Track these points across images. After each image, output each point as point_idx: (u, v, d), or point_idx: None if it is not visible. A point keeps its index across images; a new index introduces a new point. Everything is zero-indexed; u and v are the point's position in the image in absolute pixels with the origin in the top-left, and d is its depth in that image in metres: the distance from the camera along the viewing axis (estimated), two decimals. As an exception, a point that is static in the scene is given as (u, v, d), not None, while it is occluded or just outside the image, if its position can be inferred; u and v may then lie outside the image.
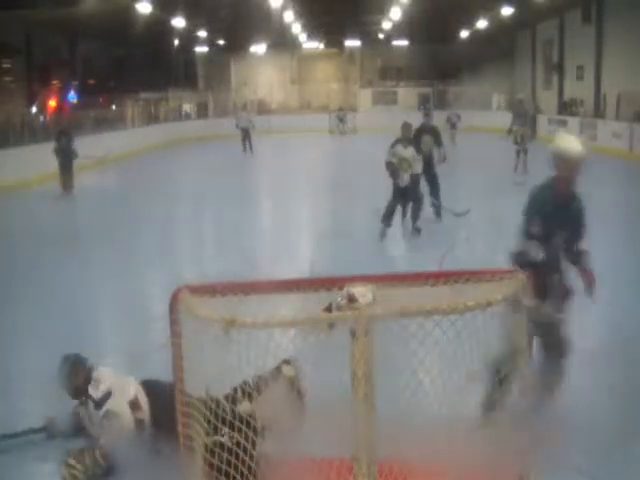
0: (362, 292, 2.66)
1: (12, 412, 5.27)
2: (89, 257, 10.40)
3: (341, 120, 35.01)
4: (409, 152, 10.46)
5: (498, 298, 2.61)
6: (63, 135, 17.02)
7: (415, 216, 10.86)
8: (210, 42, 35.65)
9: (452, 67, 36.89)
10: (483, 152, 23.48)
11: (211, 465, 3.00)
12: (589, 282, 4.72)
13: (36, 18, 22.83)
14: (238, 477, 2.87)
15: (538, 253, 4.45)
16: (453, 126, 26.28)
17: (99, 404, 4.34)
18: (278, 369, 3.70)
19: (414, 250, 10.36)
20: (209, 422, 3.03)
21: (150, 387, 4.45)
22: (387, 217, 10.56)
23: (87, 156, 17.51)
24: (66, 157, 16.54)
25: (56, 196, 16.13)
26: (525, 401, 2.89)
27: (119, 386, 4.41)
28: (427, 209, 11.54)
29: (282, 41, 35.51)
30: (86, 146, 22.40)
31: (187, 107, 38.34)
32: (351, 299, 2.66)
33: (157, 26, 26.90)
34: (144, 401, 4.38)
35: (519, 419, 2.90)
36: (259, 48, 37.50)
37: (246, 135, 25.72)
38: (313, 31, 35.68)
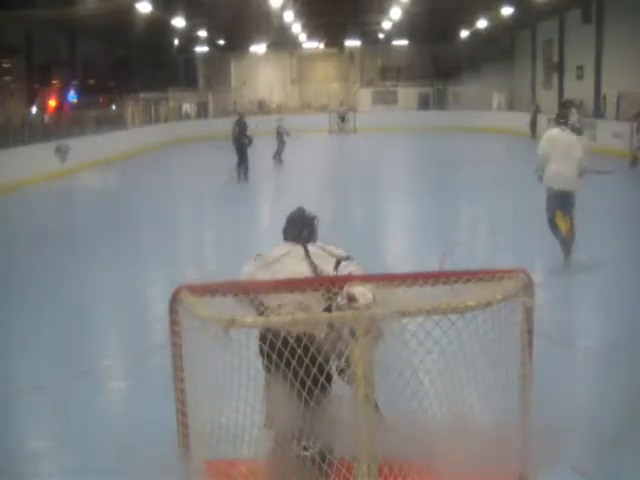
0: (362, 292, 2.66)
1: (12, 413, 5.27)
2: (89, 257, 10.40)
3: (342, 119, 34.85)
4: None
5: (498, 298, 2.61)
6: (241, 125, 16.41)
7: None
8: (210, 42, 35.60)
9: (452, 67, 36.86)
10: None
11: None
12: None
13: (36, 18, 22.82)
14: None
15: None
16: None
17: None
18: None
19: (414, 250, 10.36)
20: None
21: None
22: None
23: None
24: (243, 146, 16.26)
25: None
26: None
27: None
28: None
29: (282, 41, 35.43)
30: (86, 146, 22.51)
31: (187, 107, 38.27)
32: (351, 299, 2.66)
33: (157, 26, 26.87)
34: None
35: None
36: (259, 48, 37.42)
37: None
38: (313, 31, 35.60)
